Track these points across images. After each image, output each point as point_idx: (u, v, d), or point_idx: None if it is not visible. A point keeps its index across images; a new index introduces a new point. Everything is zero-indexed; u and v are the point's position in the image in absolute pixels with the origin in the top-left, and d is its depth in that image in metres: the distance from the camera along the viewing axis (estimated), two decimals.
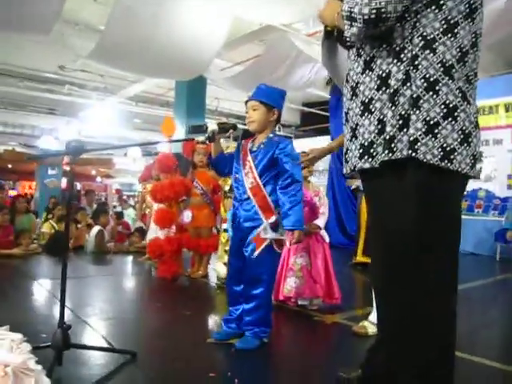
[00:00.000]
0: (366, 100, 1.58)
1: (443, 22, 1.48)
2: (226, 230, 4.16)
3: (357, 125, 1.63)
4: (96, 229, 6.80)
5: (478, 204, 7.51)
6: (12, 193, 16.80)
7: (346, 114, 1.71)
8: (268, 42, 6.75)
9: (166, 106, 10.99)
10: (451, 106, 1.48)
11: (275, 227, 2.54)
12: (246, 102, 2.66)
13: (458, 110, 1.49)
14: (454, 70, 1.49)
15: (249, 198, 2.58)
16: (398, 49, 1.52)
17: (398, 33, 1.51)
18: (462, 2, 1.49)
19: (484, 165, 7.26)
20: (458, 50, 1.49)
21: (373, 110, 1.56)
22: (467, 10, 1.50)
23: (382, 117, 1.53)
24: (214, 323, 3.15)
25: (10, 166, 17.41)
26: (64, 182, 16.58)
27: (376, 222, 1.70)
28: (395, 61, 1.52)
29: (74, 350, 2.16)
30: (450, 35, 1.48)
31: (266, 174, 2.57)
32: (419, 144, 1.47)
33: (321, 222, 3.55)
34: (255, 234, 2.55)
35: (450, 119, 1.48)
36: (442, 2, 1.48)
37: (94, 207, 9.14)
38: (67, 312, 2.11)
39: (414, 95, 1.48)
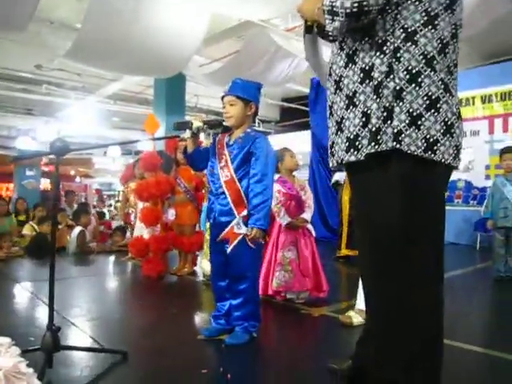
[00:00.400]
0: (350, 93, 1.59)
1: (424, 13, 1.49)
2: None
3: (342, 118, 1.63)
4: (77, 229, 6.72)
5: (458, 194, 7.63)
6: None
7: (331, 107, 1.71)
8: (246, 37, 6.72)
9: (145, 103, 10.89)
10: (434, 97, 1.50)
11: (247, 222, 2.53)
12: (223, 98, 2.64)
13: (441, 102, 1.51)
14: (435, 62, 1.50)
15: (224, 193, 2.58)
16: (380, 41, 1.52)
17: (380, 25, 1.52)
18: None
19: (462, 156, 7.37)
20: (438, 41, 1.51)
21: (357, 102, 1.57)
22: (447, 2, 1.52)
23: (366, 109, 1.54)
24: (202, 320, 3.15)
25: None
26: (43, 183, 16.35)
27: (362, 215, 1.69)
28: (378, 53, 1.52)
29: (64, 351, 2.15)
30: (430, 27, 1.50)
31: (242, 169, 2.57)
32: (403, 135, 1.48)
33: (308, 215, 3.57)
34: (228, 229, 2.57)
35: (432, 111, 1.50)
36: None
37: (74, 208, 9.04)
38: (54, 313, 2.09)
39: (397, 87, 1.49)
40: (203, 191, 4.63)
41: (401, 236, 1.53)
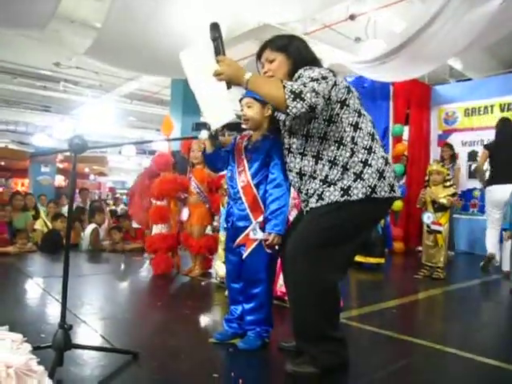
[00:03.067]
0: (323, 177, 2.21)
1: (353, 112, 2.21)
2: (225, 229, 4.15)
3: (314, 191, 2.23)
4: (91, 227, 6.77)
5: (473, 203, 7.53)
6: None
7: (293, 186, 2.39)
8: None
9: (161, 104, 10.95)
10: (385, 157, 2.23)
11: (264, 228, 2.50)
12: (240, 100, 2.63)
13: (388, 159, 2.26)
14: (375, 135, 2.25)
15: (241, 198, 2.57)
16: (339, 139, 2.17)
17: (334, 131, 2.17)
18: (354, 97, 2.24)
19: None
20: (370, 123, 2.27)
21: (329, 181, 2.19)
22: (359, 102, 2.28)
23: (334, 180, 2.18)
24: (214, 323, 3.14)
25: (2, 163, 17.27)
26: (57, 180, 16.50)
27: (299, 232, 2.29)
28: (341, 146, 2.17)
29: (75, 350, 2.14)
30: (362, 116, 2.23)
31: (260, 173, 2.55)
32: (377, 186, 2.14)
33: None
34: (244, 234, 2.55)
35: (388, 165, 2.22)
36: (347, 102, 2.18)
37: (87, 205, 9.09)
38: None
39: (363, 159, 2.16)
40: (219, 193, 4.60)
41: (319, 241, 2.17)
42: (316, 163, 2.21)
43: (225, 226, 2.99)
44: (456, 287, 4.72)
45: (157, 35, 5.51)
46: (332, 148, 2.17)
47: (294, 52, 2.31)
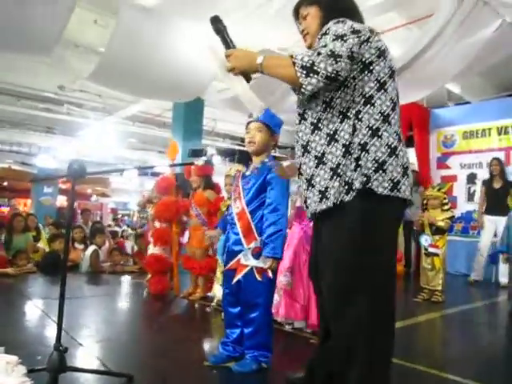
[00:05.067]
0: (319, 154, 1.86)
1: (375, 81, 1.83)
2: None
3: (312, 175, 1.89)
4: (91, 248, 6.78)
5: (473, 226, 7.54)
6: (5, 210, 16.73)
7: (299, 168, 1.97)
8: None
9: (163, 126, 11.04)
10: (393, 146, 1.82)
11: (257, 254, 2.53)
12: (249, 123, 2.68)
13: (398, 149, 1.83)
14: (390, 117, 1.84)
15: (236, 223, 2.62)
16: (343, 110, 1.82)
17: (341, 97, 1.82)
18: (385, 66, 1.85)
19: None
20: (390, 101, 1.85)
21: (326, 161, 1.84)
22: (390, 72, 1.87)
23: (333, 166, 1.81)
24: (211, 346, 3.14)
25: (5, 183, 17.38)
26: (59, 200, 16.55)
27: (328, 252, 1.91)
28: (345, 119, 1.82)
29: (70, 372, 2.15)
30: (382, 91, 1.84)
31: (257, 199, 2.59)
32: (372, 179, 1.77)
33: None
34: (236, 259, 2.59)
35: (393, 157, 1.81)
36: (371, 67, 1.82)
37: (89, 226, 9.11)
38: (62, 333, 2.10)
39: (362, 142, 1.79)
40: (217, 216, 4.64)
41: (357, 266, 1.78)
42: (312, 132, 1.89)
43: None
44: (455, 310, 4.71)
45: (158, 60, 5.63)
46: (334, 119, 1.84)
47: (326, 2, 1.99)
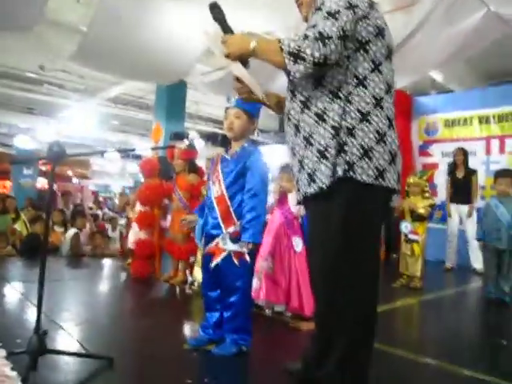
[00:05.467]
0: (307, 135, 1.81)
1: (371, 62, 1.75)
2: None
3: (303, 157, 1.84)
4: (72, 231, 6.73)
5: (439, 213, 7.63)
6: None
7: (293, 148, 1.92)
8: None
9: (146, 108, 10.94)
10: (381, 132, 1.75)
11: (235, 239, 2.53)
12: (227, 109, 2.66)
13: (387, 135, 1.77)
14: (383, 101, 1.77)
15: (214, 207, 2.61)
16: (334, 89, 1.75)
17: (333, 76, 1.74)
18: (382, 46, 1.78)
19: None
20: (385, 83, 1.79)
21: (313, 142, 1.78)
22: (387, 52, 1.80)
23: (320, 147, 1.76)
24: (191, 329, 3.15)
25: None
26: (40, 182, 16.33)
27: (315, 234, 1.91)
28: (334, 99, 1.74)
29: (50, 355, 2.14)
30: (377, 72, 1.77)
31: (236, 184, 2.59)
32: (356, 167, 1.71)
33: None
34: (213, 243, 2.59)
35: (381, 143, 1.75)
36: (367, 47, 1.74)
37: (70, 208, 9.03)
38: (41, 316, 2.10)
39: (349, 126, 1.72)
40: (199, 200, 4.63)
41: (343, 251, 1.76)
42: (301, 111, 1.83)
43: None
44: (433, 297, 4.80)
45: (141, 41, 5.55)
46: (324, 98, 1.76)
47: None
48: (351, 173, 1.71)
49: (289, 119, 1.92)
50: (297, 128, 1.86)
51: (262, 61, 1.81)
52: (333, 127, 1.73)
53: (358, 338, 1.79)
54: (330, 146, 1.73)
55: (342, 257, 1.76)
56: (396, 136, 1.83)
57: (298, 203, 2.03)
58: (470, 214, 6.55)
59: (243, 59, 1.89)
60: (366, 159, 1.71)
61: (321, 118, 1.76)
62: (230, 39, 1.86)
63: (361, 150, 1.71)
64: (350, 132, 1.72)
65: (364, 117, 1.73)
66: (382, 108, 1.76)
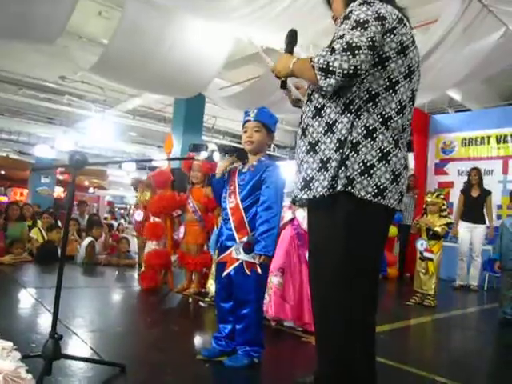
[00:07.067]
0: (313, 141, 1.80)
1: (386, 79, 1.73)
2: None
3: (302, 161, 1.85)
4: (87, 240, 6.79)
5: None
6: (2, 199, 16.69)
7: (296, 150, 1.93)
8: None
9: (163, 121, 11.07)
10: (385, 151, 1.74)
11: (248, 249, 2.54)
12: (246, 122, 2.69)
13: (391, 155, 1.75)
14: (391, 121, 1.75)
15: (229, 218, 2.63)
16: (347, 101, 1.74)
17: (348, 88, 1.72)
18: (402, 65, 1.74)
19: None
20: (398, 103, 1.75)
21: (318, 150, 1.78)
22: (406, 72, 1.76)
23: (324, 157, 1.76)
24: (203, 340, 3.16)
25: (2, 172, 17.34)
26: (56, 191, 16.54)
27: (313, 246, 1.90)
28: (345, 112, 1.73)
29: (63, 360, 2.17)
30: (391, 91, 1.74)
31: (252, 196, 2.60)
32: (355, 182, 1.70)
33: None
34: (227, 253, 2.61)
35: (383, 162, 1.73)
36: (386, 64, 1.71)
37: (85, 218, 9.11)
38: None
39: (354, 140, 1.71)
40: (214, 214, 4.64)
41: (341, 270, 1.74)
42: (313, 117, 1.83)
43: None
44: (446, 315, 4.74)
45: (162, 55, 5.65)
46: (337, 109, 1.76)
47: None
48: (350, 188, 1.70)
49: (300, 122, 1.92)
50: (303, 132, 1.87)
51: (301, 79, 1.84)
52: (338, 140, 1.73)
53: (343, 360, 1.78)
54: (332, 158, 1.73)
55: (335, 272, 1.76)
56: (404, 157, 1.81)
57: (293, 203, 2.05)
58: (491, 236, 6.51)
59: (283, 79, 1.91)
60: (367, 176, 1.71)
61: (330, 128, 1.76)
62: (280, 58, 1.90)
63: (362, 167, 1.71)
64: (354, 147, 1.71)
65: (369, 133, 1.72)
66: (387, 128, 1.75)
